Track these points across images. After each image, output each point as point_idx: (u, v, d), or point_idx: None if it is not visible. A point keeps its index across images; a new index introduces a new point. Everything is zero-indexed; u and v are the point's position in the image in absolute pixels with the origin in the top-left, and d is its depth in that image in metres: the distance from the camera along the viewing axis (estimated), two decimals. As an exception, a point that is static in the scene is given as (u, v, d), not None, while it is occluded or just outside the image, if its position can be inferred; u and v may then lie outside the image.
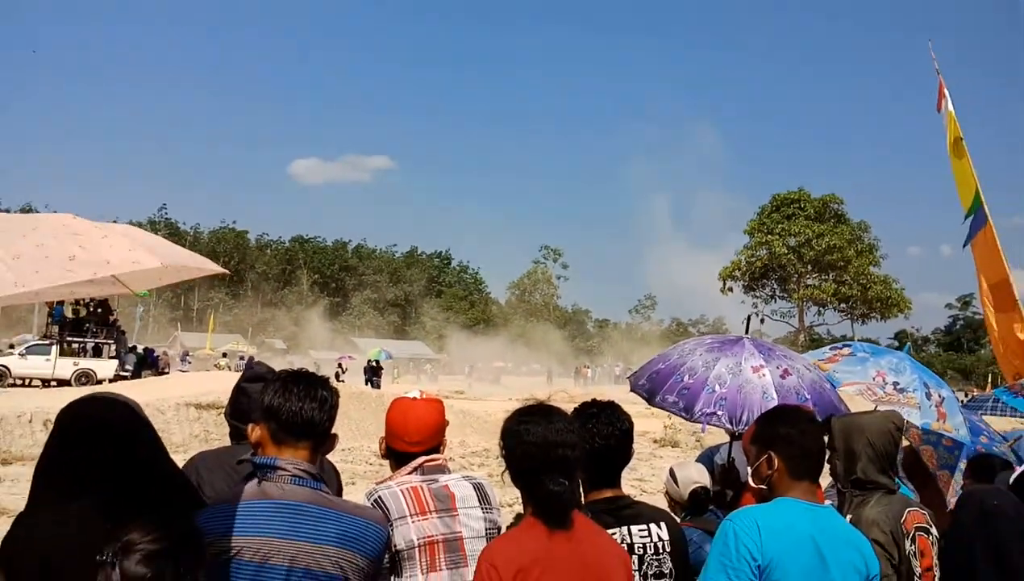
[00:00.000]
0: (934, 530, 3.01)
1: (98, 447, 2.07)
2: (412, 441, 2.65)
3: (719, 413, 3.59)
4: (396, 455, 2.68)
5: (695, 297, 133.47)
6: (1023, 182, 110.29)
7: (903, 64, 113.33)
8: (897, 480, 3.17)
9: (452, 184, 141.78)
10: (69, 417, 2.16)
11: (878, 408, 4.04)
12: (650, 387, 3.95)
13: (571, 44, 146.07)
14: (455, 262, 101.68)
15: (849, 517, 2.90)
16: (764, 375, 3.75)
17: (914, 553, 2.86)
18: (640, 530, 2.52)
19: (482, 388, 41.60)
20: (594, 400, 2.74)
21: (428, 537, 2.47)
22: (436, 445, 2.70)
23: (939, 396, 4.16)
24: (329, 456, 2.74)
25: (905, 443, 4.34)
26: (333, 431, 2.25)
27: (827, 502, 2.65)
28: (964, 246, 11.24)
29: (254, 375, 2.84)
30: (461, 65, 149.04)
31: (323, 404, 2.15)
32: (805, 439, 2.48)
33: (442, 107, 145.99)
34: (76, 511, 1.92)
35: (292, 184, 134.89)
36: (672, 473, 3.72)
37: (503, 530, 2.55)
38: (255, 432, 2.19)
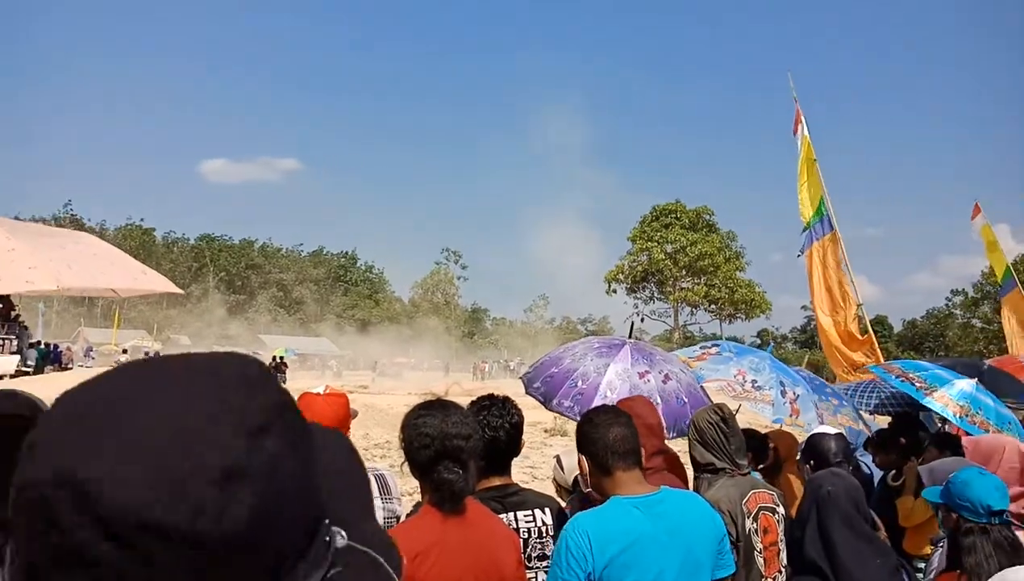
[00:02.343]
0: (781, 509, 3.20)
1: (7, 446, 1.96)
2: None
3: None
4: None
5: (583, 297, 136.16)
6: (867, 198, 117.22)
7: (769, 90, 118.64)
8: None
9: (358, 187, 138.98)
10: None
11: (739, 404, 4.28)
12: (545, 391, 3.99)
13: (468, 51, 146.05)
14: (360, 262, 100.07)
15: (699, 499, 3.06)
16: (649, 380, 3.89)
17: (755, 531, 3.02)
18: (525, 516, 2.58)
19: (385, 383, 41.05)
20: (490, 394, 2.78)
21: None
22: None
23: (794, 394, 4.44)
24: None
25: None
26: None
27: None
28: (799, 256, 12.00)
29: None
30: (367, 70, 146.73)
31: None
32: (597, 431, 2.43)
33: (350, 111, 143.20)
34: None
35: (202, 183, 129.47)
36: (559, 460, 3.80)
37: (403, 519, 2.57)
38: None
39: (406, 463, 2.28)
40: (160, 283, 2.01)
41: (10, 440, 1.97)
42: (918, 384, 4.90)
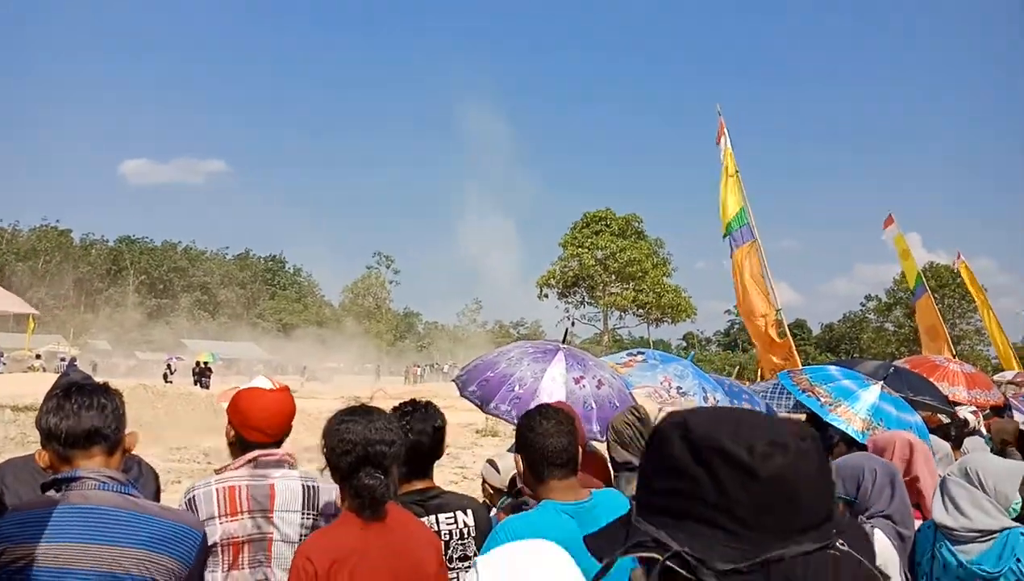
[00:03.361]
0: None
1: None
2: (263, 429, 2.54)
3: None
4: (244, 444, 2.54)
5: (515, 302, 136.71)
6: (785, 211, 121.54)
7: (690, 101, 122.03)
8: None
9: (286, 190, 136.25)
10: None
11: (663, 409, 4.39)
12: (481, 394, 4.00)
13: (400, 47, 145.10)
14: (289, 266, 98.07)
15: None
16: (584, 386, 3.95)
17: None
18: (447, 518, 2.60)
19: (314, 387, 40.33)
20: (413, 400, 2.78)
21: (232, 538, 2.39)
22: (282, 437, 2.59)
23: (714, 399, 4.59)
24: (157, 455, 2.59)
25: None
26: (131, 431, 2.12)
27: None
28: (726, 263, 12.39)
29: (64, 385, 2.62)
30: (295, 69, 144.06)
31: (102, 410, 2.00)
32: (538, 439, 2.40)
33: (277, 113, 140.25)
34: None
35: (122, 184, 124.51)
36: (493, 464, 3.78)
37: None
38: (43, 458, 2.04)
39: (326, 469, 2.27)
40: (8, 302, 1.76)
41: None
42: (823, 399, 5.04)
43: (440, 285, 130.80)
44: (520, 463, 2.47)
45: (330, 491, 2.58)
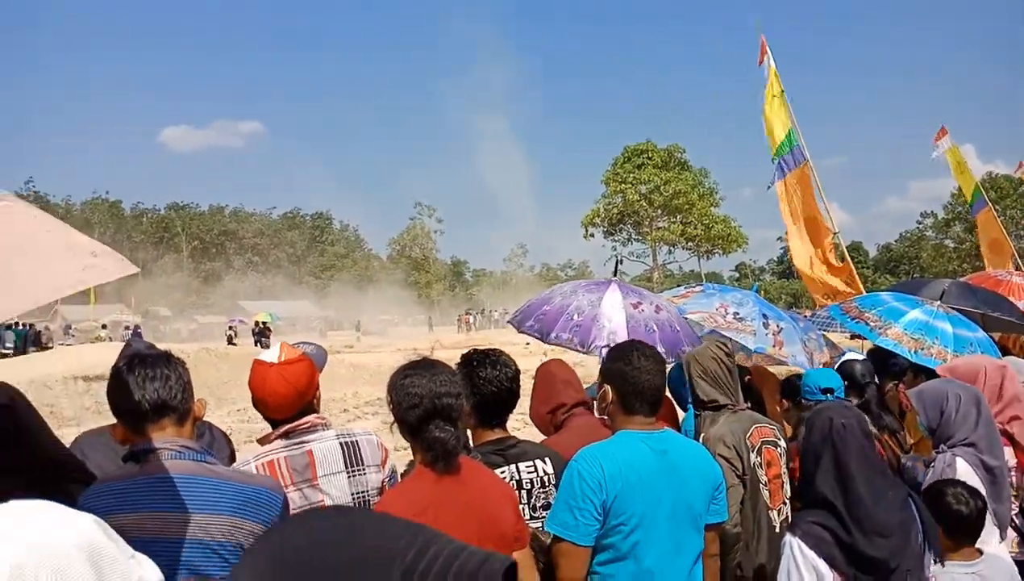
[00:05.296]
0: (783, 442, 3.23)
1: None
2: (269, 414, 2.47)
3: (612, 345, 3.69)
4: (271, 420, 2.50)
5: (561, 243, 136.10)
6: (832, 127, 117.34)
7: (732, 21, 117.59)
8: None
9: (324, 147, 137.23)
10: None
11: (719, 333, 4.31)
12: (540, 327, 4.04)
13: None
14: (336, 222, 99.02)
15: (702, 437, 3.06)
16: (643, 310, 3.97)
17: (759, 464, 3.06)
18: (527, 467, 2.57)
19: (370, 341, 41.05)
20: (480, 349, 2.73)
21: None
22: (301, 409, 2.47)
23: (777, 326, 4.45)
24: (227, 416, 2.61)
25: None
26: (199, 398, 2.11)
27: None
28: (768, 188, 11.96)
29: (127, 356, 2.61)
30: (319, 25, 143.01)
31: (166, 381, 1.99)
32: (636, 375, 2.43)
33: (308, 70, 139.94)
34: None
35: (164, 151, 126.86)
36: None
37: (384, 482, 2.53)
38: (118, 432, 2.05)
39: (395, 424, 2.25)
40: (115, 267, 1.41)
41: None
42: (872, 323, 4.92)
43: (484, 232, 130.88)
44: (610, 393, 2.48)
45: (371, 440, 2.54)
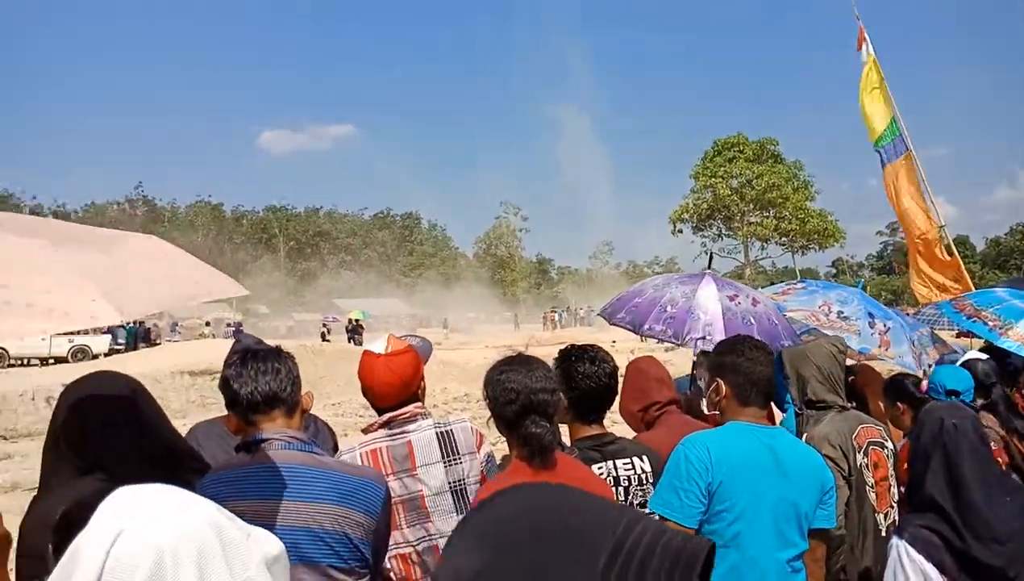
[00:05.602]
0: (889, 444, 3.10)
1: (106, 421, 2.03)
2: (375, 402, 2.56)
3: (708, 337, 3.64)
4: (377, 408, 2.60)
5: (647, 241, 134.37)
6: (934, 115, 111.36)
7: (825, 7, 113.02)
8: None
9: (412, 147, 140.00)
10: (75, 394, 2.11)
11: (819, 331, 4.15)
12: (632, 319, 4.00)
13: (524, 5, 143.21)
14: (424, 221, 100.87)
15: (805, 436, 2.97)
16: (740, 302, 3.86)
17: (866, 465, 2.94)
18: (624, 464, 2.55)
19: (458, 338, 41.61)
20: (578, 344, 2.73)
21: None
22: (405, 399, 2.54)
23: (884, 326, 4.26)
24: (322, 411, 2.70)
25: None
26: (306, 391, 2.19)
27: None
28: (883, 165, 11.33)
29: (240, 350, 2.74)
30: (413, 31, 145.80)
31: (277, 374, 2.07)
32: (750, 367, 2.45)
33: (396, 75, 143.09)
34: (91, 484, 1.85)
35: (262, 156, 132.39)
36: None
37: (482, 468, 2.56)
38: (231, 422, 2.15)
39: (491, 419, 2.28)
40: (226, 287, 1.99)
41: (116, 413, 2.03)
42: (990, 323, 4.62)
43: (570, 229, 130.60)
44: (723, 387, 2.47)
45: (465, 428, 2.57)
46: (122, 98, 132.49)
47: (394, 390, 2.52)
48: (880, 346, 4.17)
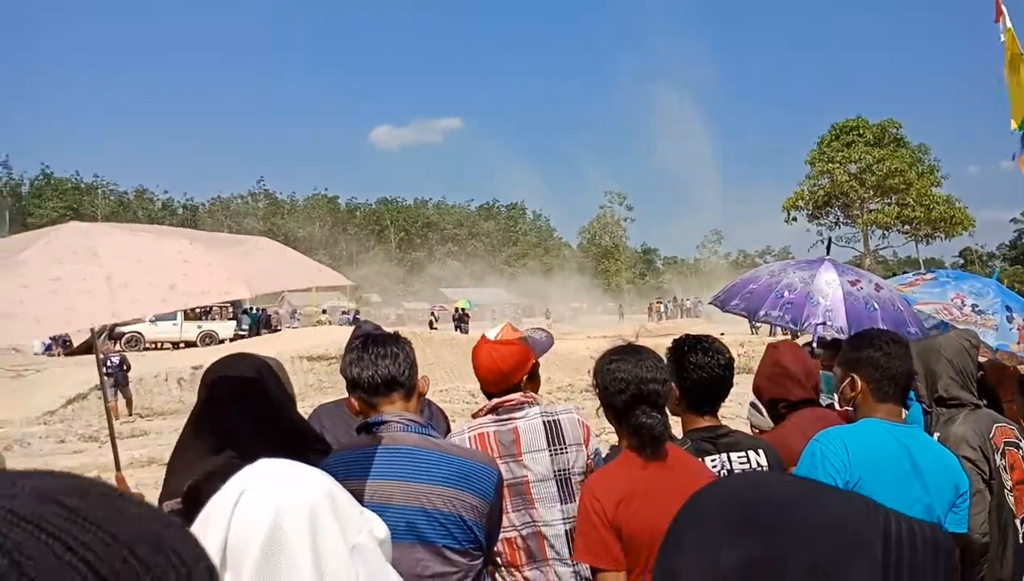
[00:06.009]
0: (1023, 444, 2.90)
1: (235, 400, 2.16)
2: (482, 386, 2.63)
3: (828, 323, 3.51)
4: (484, 393, 2.67)
5: (759, 230, 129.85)
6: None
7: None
8: None
9: (517, 140, 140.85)
10: (212, 374, 2.25)
11: (955, 326, 3.89)
12: (747, 305, 3.87)
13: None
14: (528, 212, 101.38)
15: (937, 435, 2.80)
16: (862, 288, 3.68)
17: (1004, 467, 2.75)
18: (739, 457, 2.46)
19: (560, 328, 41.64)
20: (691, 335, 2.66)
21: None
22: (513, 385, 2.59)
23: (1021, 321, 3.96)
24: (429, 397, 2.79)
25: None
26: (422, 375, 2.25)
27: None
28: (1014, 157, 10.48)
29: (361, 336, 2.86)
30: (518, 25, 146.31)
31: (396, 359, 2.13)
32: (888, 362, 2.34)
33: (504, 69, 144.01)
34: (220, 460, 1.97)
35: (374, 150, 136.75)
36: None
37: (589, 462, 2.55)
38: (352, 404, 2.25)
39: (600, 408, 2.27)
40: (333, 278, 2.39)
41: (243, 394, 2.16)
42: None
43: (676, 218, 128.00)
44: (858, 383, 2.39)
45: (572, 419, 2.58)
46: (245, 100, 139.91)
47: (493, 377, 2.59)
48: (1019, 342, 3.87)
